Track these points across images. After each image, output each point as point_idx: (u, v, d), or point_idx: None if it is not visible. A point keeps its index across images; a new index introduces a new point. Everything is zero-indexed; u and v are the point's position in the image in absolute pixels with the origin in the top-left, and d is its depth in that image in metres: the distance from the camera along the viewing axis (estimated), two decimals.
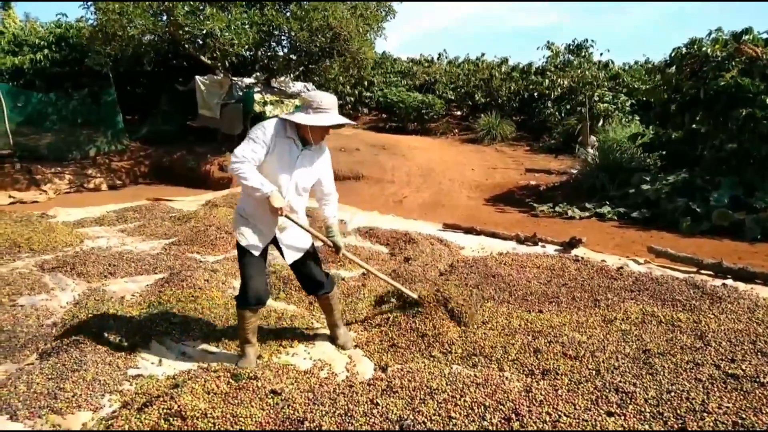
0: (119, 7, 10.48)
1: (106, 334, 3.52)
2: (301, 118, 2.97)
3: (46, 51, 13.62)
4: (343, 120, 3.13)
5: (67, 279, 4.91)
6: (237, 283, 4.76)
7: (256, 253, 3.14)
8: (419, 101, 17.82)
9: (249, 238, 3.12)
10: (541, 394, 2.71)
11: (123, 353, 3.32)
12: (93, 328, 3.62)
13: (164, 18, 11.16)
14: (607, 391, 2.74)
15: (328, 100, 3.01)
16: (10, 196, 10.09)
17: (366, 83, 19.14)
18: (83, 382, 2.91)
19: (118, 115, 13.12)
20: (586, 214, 8.15)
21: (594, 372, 2.98)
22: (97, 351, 3.29)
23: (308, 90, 14.39)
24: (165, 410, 2.59)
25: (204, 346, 3.54)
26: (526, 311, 4.07)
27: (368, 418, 2.54)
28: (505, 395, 2.66)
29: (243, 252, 3.16)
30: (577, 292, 4.42)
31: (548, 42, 17.90)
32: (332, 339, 3.62)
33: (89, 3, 11.55)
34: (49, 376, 2.97)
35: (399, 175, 11.42)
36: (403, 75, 21.71)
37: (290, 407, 2.63)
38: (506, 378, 2.88)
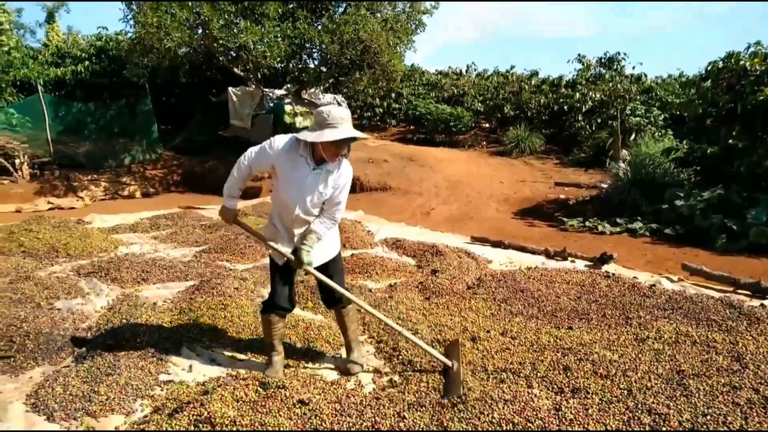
0: (157, 21, 10.80)
1: (138, 340, 3.60)
2: (307, 135, 2.91)
3: (86, 63, 14.10)
4: (354, 133, 2.91)
5: (101, 284, 5.05)
6: (266, 292, 4.82)
7: (279, 262, 3.20)
8: (447, 113, 17.82)
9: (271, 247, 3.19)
10: (571, 413, 2.67)
11: (155, 359, 3.39)
12: (126, 333, 3.72)
13: (200, 31, 11.46)
14: (640, 412, 2.68)
15: (336, 113, 2.88)
16: (49, 202, 10.43)
17: (394, 95, 19.25)
18: (116, 386, 2.99)
19: (154, 125, 13.48)
20: (617, 229, 7.99)
21: (626, 392, 2.91)
22: (129, 356, 3.37)
23: (338, 102, 14.56)
24: (195, 416, 2.64)
25: (233, 353, 3.59)
26: (555, 327, 4.02)
27: None
28: (534, 413, 2.62)
29: (270, 259, 3.28)
30: (608, 310, 4.34)
31: (579, 55, 17.79)
32: (344, 360, 3.48)
33: (129, 17, 11.93)
34: (84, 380, 3.05)
35: (426, 187, 11.41)
36: (431, 87, 21.76)
37: (317, 417, 2.65)
38: (535, 395, 2.84)
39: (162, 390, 3.09)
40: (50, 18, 24.13)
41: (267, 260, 5.89)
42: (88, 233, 6.89)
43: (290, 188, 3.01)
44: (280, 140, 3.01)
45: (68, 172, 11.85)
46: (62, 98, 13.43)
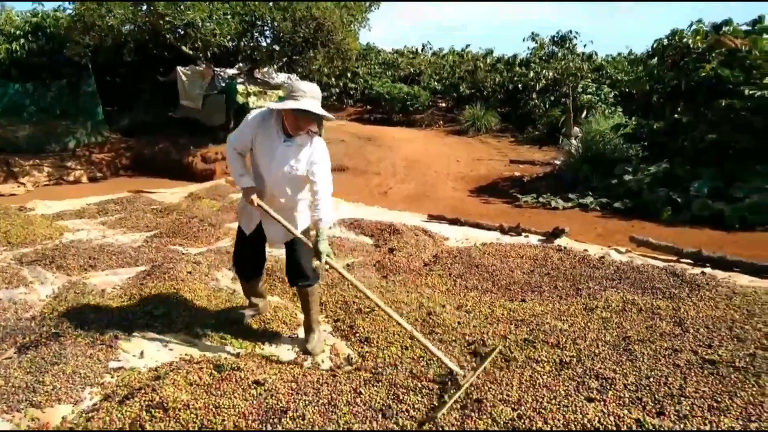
0: None
1: (86, 327, 3.47)
2: (272, 104, 3.06)
3: (22, 41, 13.28)
4: (311, 107, 2.88)
5: (46, 272, 4.83)
6: (220, 275, 4.75)
7: (246, 232, 3.31)
8: (404, 93, 17.80)
9: (242, 218, 3.36)
10: (522, 381, 2.74)
11: (104, 346, 3.28)
12: (73, 321, 3.58)
13: (144, 8, 10.97)
14: (588, 377, 2.77)
15: (300, 86, 2.93)
16: None
17: (350, 75, 19.06)
18: (63, 376, 2.88)
19: (98, 106, 12.88)
20: (570, 204, 8.22)
21: (575, 359, 3.01)
22: (77, 344, 3.25)
23: (291, 81, 14.29)
24: (147, 402, 2.58)
25: (186, 337, 3.51)
26: (509, 300, 4.11)
27: (351, 407, 2.55)
28: (487, 382, 2.68)
29: (238, 228, 3.43)
30: (560, 282, 4.47)
31: (533, 33, 18.03)
32: (303, 341, 3.43)
33: None
34: (28, 370, 2.93)
35: (384, 167, 11.40)
36: (387, 66, 21.66)
37: (273, 397, 2.63)
38: (487, 365, 2.90)
39: (112, 377, 3.00)
40: None
41: (221, 244, 5.81)
42: (31, 220, 6.57)
43: (261, 158, 3.10)
44: (256, 112, 3.12)
45: (7, 157, 11.22)
46: None
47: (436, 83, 19.96)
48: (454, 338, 3.38)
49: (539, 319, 3.61)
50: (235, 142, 3.16)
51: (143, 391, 2.67)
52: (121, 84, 14.68)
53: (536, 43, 18.40)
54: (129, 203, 7.96)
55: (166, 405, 2.54)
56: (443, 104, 20.37)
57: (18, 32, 13.55)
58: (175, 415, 2.49)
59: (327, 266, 3.13)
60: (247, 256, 3.44)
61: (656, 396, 2.56)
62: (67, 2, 11.47)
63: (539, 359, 3.04)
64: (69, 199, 8.57)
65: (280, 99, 3.18)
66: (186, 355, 3.25)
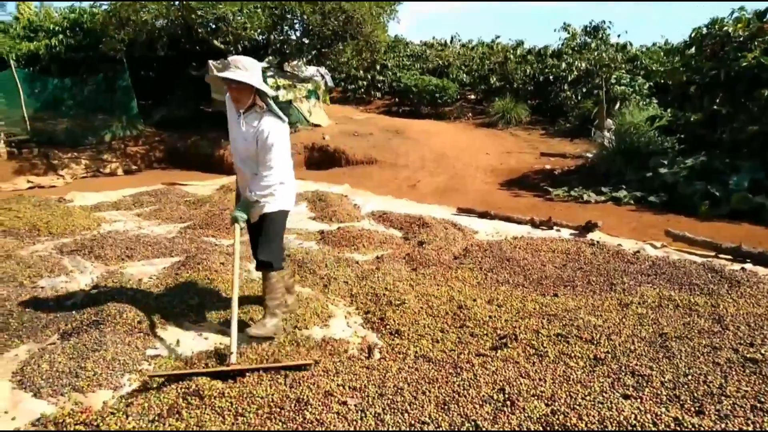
0: None
1: (124, 316, 3.56)
2: (208, 76, 3.24)
3: (60, 36, 13.65)
4: (231, 75, 2.97)
5: (85, 262, 4.98)
6: (252, 266, 4.80)
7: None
8: (433, 85, 17.65)
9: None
10: (556, 376, 2.71)
11: (141, 334, 3.37)
12: (112, 309, 3.67)
13: (177, 2, 11.14)
14: (623, 373, 2.73)
15: (231, 58, 3.12)
16: (28, 181, 10.22)
17: (379, 67, 19.01)
18: (103, 362, 2.97)
19: (133, 101, 13.17)
20: (602, 198, 8.05)
21: (610, 355, 2.96)
22: (116, 332, 3.35)
23: (320, 74, 14.34)
24: (183, 389, 2.64)
25: (221, 327, 3.58)
26: (540, 295, 4.06)
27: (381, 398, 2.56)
28: (520, 376, 2.66)
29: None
30: (593, 276, 4.39)
31: (565, 24, 17.64)
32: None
33: None
34: (71, 356, 3.03)
35: (413, 160, 11.36)
36: (416, 58, 21.52)
37: (303, 386, 2.66)
38: (520, 359, 2.88)
39: (150, 364, 3.08)
40: None
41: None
42: (70, 211, 6.78)
43: (230, 133, 3.32)
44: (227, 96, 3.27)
45: (47, 150, 11.58)
46: (37, 74, 13.04)
47: (464, 75, 19.75)
48: (485, 332, 3.36)
49: (572, 314, 3.56)
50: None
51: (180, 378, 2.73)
52: (155, 78, 14.97)
53: (568, 33, 18.02)
54: (163, 195, 8.13)
55: (201, 393, 2.59)
56: (472, 96, 20.16)
57: (57, 28, 13.93)
58: (211, 402, 2.55)
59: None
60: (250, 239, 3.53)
61: (695, 394, 2.50)
62: None
63: (573, 354, 3.00)
64: (105, 190, 8.81)
65: None
66: (220, 344, 3.31)
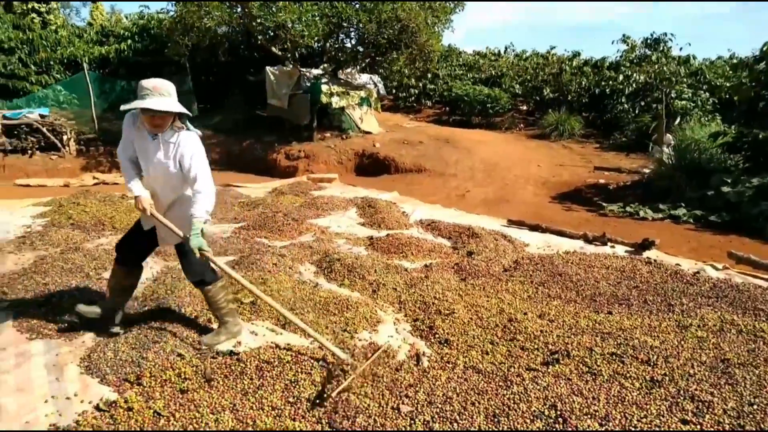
0: None
1: (182, 310, 3.71)
2: (124, 105, 2.98)
3: (129, 41, 14.39)
4: (155, 105, 2.83)
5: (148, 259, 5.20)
6: (303, 268, 4.90)
7: (145, 228, 3.34)
8: (485, 95, 17.54)
9: (142, 216, 3.32)
10: (611, 396, 2.65)
11: (198, 328, 3.50)
12: (171, 303, 3.84)
13: (239, 9, 11.54)
14: (682, 398, 2.63)
15: (148, 83, 2.88)
16: (94, 177, 10.78)
17: (430, 76, 19.05)
18: (163, 353, 3.10)
19: (193, 104, 13.72)
20: (660, 215, 7.79)
21: (667, 378, 2.86)
22: (174, 326, 3.48)
23: (373, 81, 14.50)
24: (240, 387, 2.71)
25: (273, 326, 3.66)
26: (594, 312, 3.96)
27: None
28: (573, 394, 2.61)
29: (138, 220, 3.42)
30: (650, 296, 4.25)
31: (624, 35, 17.21)
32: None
33: None
34: (133, 346, 3.18)
35: (462, 169, 11.31)
36: (468, 68, 21.44)
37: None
38: (573, 377, 2.83)
39: (207, 357, 3.19)
40: None
41: (303, 238, 6.01)
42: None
43: (140, 159, 3.13)
44: (126, 119, 3.14)
45: (112, 149, 12.20)
46: (106, 76, 13.76)
47: (517, 86, 19.53)
48: (536, 347, 3.32)
49: (627, 334, 3.46)
50: (122, 154, 3.21)
51: None
52: (214, 83, 15.52)
53: (627, 45, 17.57)
54: (218, 196, 8.34)
55: (253, 394, 2.67)
56: (524, 107, 19.90)
57: (126, 33, 14.68)
58: (261, 403, 2.61)
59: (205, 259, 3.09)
60: (135, 241, 3.41)
61: (762, 426, 2.39)
62: (170, 4, 12.27)
63: (628, 375, 2.92)
64: None
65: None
66: (272, 343, 3.39)
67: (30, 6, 15.64)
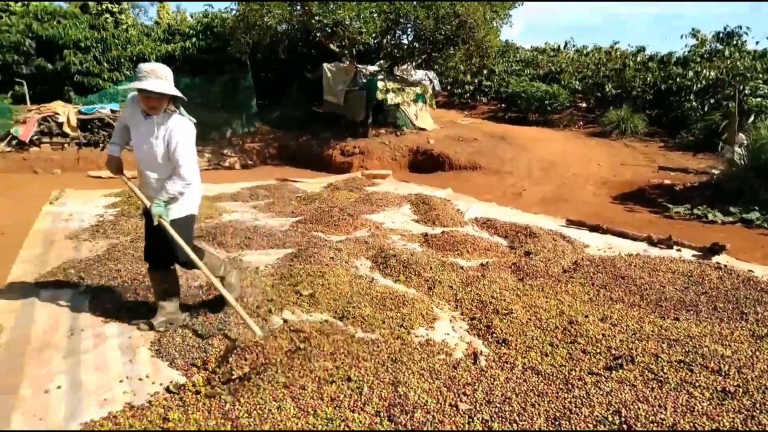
0: None
1: (245, 300, 3.84)
2: (122, 85, 3.11)
3: (194, 39, 14.92)
4: (152, 86, 2.98)
5: (209, 247, 5.40)
6: (359, 263, 4.96)
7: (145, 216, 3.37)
8: (542, 91, 17.12)
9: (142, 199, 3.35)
10: (678, 406, 2.55)
11: (259, 318, 3.61)
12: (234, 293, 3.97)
13: (299, 8, 11.75)
14: (758, 411, 2.50)
15: (146, 66, 3.05)
16: None
17: (486, 72, 18.77)
18: (227, 341, 3.21)
19: (253, 100, 14.10)
20: (730, 218, 7.38)
21: (741, 390, 2.73)
22: (237, 314, 3.60)
23: (429, 78, 14.45)
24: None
25: (330, 318, 3.73)
26: (659, 317, 3.82)
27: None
28: (638, 401, 2.53)
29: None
30: (720, 303, 4.05)
31: (693, 29, 16.37)
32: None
33: None
34: (200, 333, 3.32)
35: (518, 167, 11.11)
36: (526, 64, 20.99)
37: (405, 387, 2.72)
38: (638, 383, 2.74)
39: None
40: None
41: (359, 233, 6.08)
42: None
43: (133, 138, 3.28)
44: (128, 99, 3.35)
45: None
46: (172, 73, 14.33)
47: (577, 82, 18.95)
48: (598, 350, 3.23)
49: (696, 341, 3.32)
50: (118, 122, 3.45)
51: None
52: (273, 80, 15.89)
53: (697, 39, 16.71)
54: (276, 190, 8.61)
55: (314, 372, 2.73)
56: (583, 104, 19.27)
57: (191, 32, 15.24)
58: (313, 406, 2.67)
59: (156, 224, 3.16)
60: (146, 238, 3.50)
61: None
62: (233, 3, 12.66)
63: (697, 384, 2.79)
64: (225, 183, 9.48)
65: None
66: None
67: (104, 6, 16.47)
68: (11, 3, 15.30)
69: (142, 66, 3.05)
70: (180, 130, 3.17)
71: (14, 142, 11.27)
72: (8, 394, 2.72)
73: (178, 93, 3.12)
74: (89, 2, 16.72)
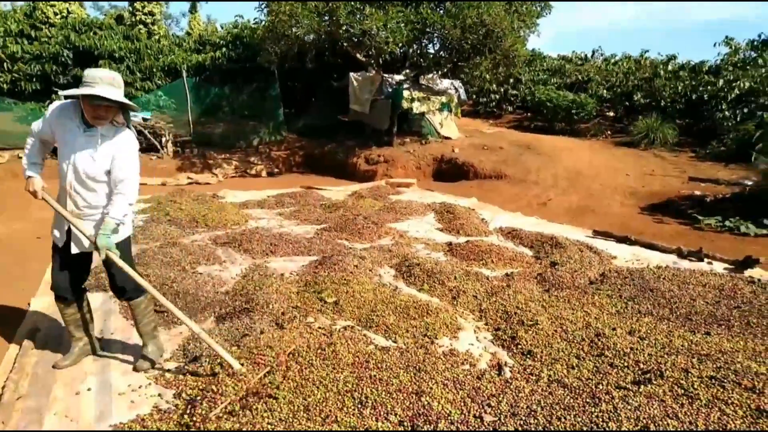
0: (289, 9, 11.37)
1: (270, 306, 3.88)
2: (65, 91, 2.80)
3: (224, 49, 15.21)
4: (107, 93, 2.68)
5: (235, 253, 5.50)
6: (382, 271, 4.97)
7: (59, 244, 3.00)
8: (569, 100, 16.95)
9: (53, 227, 3.03)
10: (710, 423, 2.49)
11: (284, 323, 3.64)
12: (259, 299, 4.02)
13: (327, 18, 11.88)
14: None
15: (94, 73, 2.72)
16: (188, 177, 11.50)
17: (513, 81, 18.68)
18: (254, 346, 3.25)
19: (280, 109, 14.29)
20: (764, 231, 7.18)
21: None
22: (263, 320, 3.65)
23: (454, 87, 14.44)
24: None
25: (354, 326, 3.75)
26: (689, 331, 3.73)
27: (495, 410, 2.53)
28: (667, 417, 2.48)
29: (53, 240, 3.06)
30: (753, 318, 3.94)
31: (726, 37, 16.02)
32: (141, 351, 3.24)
33: (263, 4, 12.71)
34: (226, 338, 3.37)
35: (544, 177, 11.00)
36: (552, 73, 20.83)
37: (429, 397, 2.71)
38: (668, 400, 2.68)
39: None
40: (193, 8, 26.32)
41: (382, 242, 6.09)
42: (223, 207, 7.51)
43: (62, 151, 2.85)
44: (56, 104, 2.90)
45: (204, 151, 12.98)
46: (202, 83, 14.64)
47: (604, 91, 18.70)
48: (626, 364, 3.17)
49: (728, 357, 3.23)
50: (35, 130, 2.92)
51: None
52: (300, 89, 16.08)
53: (730, 47, 16.35)
54: (301, 197, 8.70)
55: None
56: (611, 114, 19.01)
57: (221, 42, 15.55)
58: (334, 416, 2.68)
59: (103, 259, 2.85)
60: (61, 269, 3.04)
61: None
62: (262, 13, 12.85)
63: (729, 401, 2.72)
64: (251, 190, 9.63)
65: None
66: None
67: (138, 18, 16.93)
68: (51, 15, 15.86)
69: (92, 71, 2.74)
70: (130, 145, 2.90)
71: None
72: (45, 397, 2.81)
73: (131, 104, 2.88)
74: (124, 14, 17.22)
